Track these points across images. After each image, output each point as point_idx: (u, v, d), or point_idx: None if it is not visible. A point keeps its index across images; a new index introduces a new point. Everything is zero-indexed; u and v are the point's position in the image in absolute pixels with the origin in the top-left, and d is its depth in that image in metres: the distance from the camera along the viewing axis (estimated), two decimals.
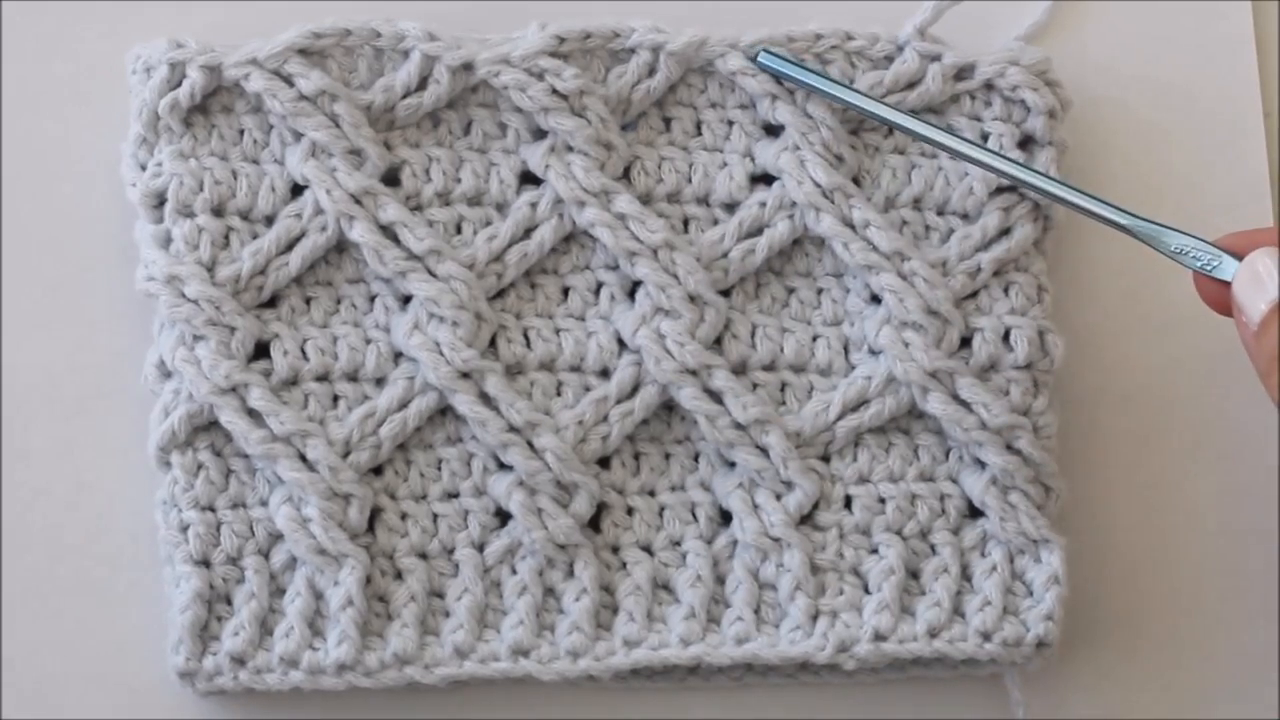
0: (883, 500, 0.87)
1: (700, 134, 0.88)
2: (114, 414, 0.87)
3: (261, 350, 0.86)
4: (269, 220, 0.86)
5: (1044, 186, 0.84)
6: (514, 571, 0.86)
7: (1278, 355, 0.71)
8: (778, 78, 0.86)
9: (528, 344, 0.87)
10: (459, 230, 0.87)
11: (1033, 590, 0.87)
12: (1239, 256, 0.76)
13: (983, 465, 0.87)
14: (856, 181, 0.88)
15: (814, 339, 0.88)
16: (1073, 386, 0.90)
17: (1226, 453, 0.91)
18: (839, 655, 0.85)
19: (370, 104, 0.86)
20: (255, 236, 0.85)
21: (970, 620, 0.86)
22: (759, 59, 0.86)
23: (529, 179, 0.87)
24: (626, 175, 0.88)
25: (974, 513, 0.88)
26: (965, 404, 0.86)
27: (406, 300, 0.86)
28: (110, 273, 0.87)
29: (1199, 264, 0.78)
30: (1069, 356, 0.88)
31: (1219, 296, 0.77)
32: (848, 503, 0.87)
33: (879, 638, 0.86)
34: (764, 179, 0.88)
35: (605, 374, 0.87)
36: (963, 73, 0.88)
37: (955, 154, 0.86)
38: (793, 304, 0.88)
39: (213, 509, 0.85)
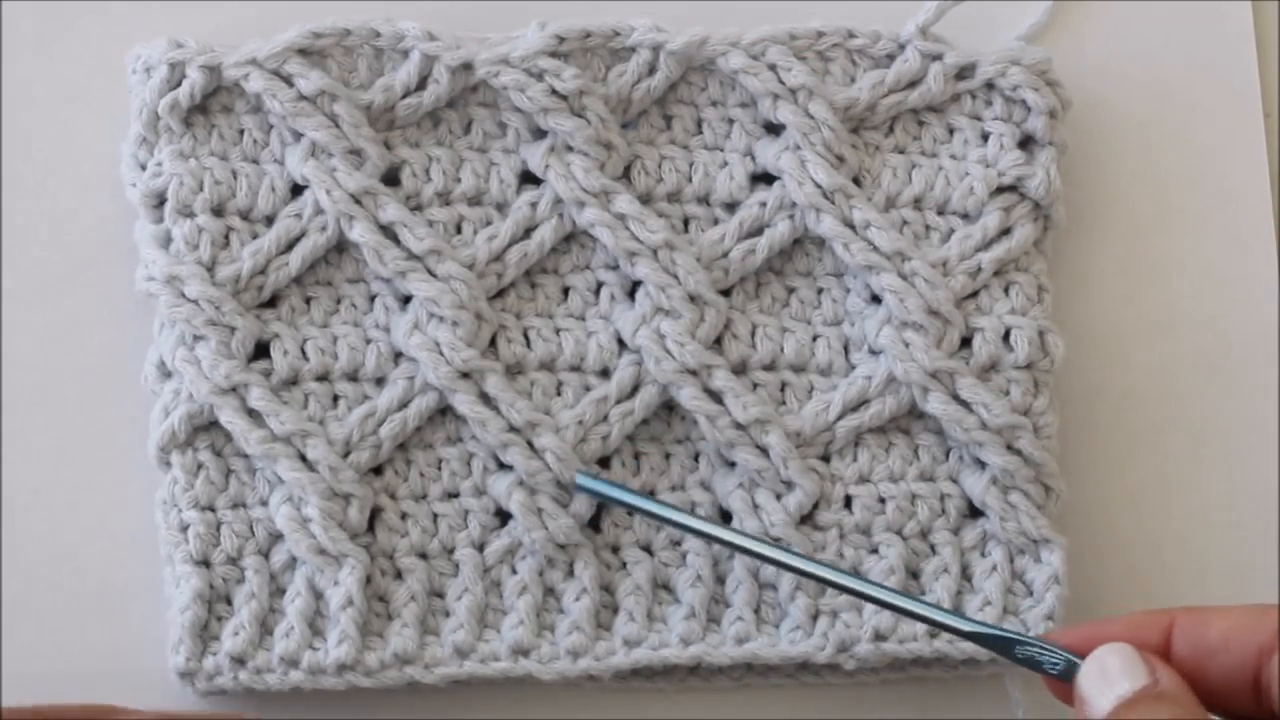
0: (883, 500, 0.87)
1: (701, 132, 0.88)
2: (114, 414, 0.87)
3: (261, 350, 0.86)
4: (269, 220, 0.86)
5: (889, 601, 0.79)
6: (514, 571, 0.86)
7: None
8: (598, 497, 0.83)
9: (528, 344, 0.87)
10: (459, 230, 0.87)
11: (1033, 590, 0.87)
12: (1080, 656, 0.73)
13: (983, 465, 0.87)
14: (857, 181, 0.88)
15: (814, 339, 0.88)
16: (1073, 386, 0.90)
17: (1226, 452, 0.91)
18: (839, 655, 0.85)
19: (370, 104, 0.86)
20: (255, 236, 0.85)
21: None
22: (578, 481, 0.83)
23: (529, 179, 0.87)
24: (627, 174, 0.88)
25: (974, 513, 0.88)
26: (966, 404, 0.86)
27: (406, 300, 0.86)
28: (110, 273, 0.87)
29: (1055, 670, 0.74)
30: (1069, 356, 0.88)
31: (1062, 691, 0.75)
32: (848, 503, 0.87)
33: (879, 637, 0.86)
34: (764, 178, 0.88)
35: (605, 374, 0.86)
36: (964, 72, 0.88)
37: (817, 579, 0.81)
38: (793, 304, 0.88)
39: (213, 509, 0.85)
